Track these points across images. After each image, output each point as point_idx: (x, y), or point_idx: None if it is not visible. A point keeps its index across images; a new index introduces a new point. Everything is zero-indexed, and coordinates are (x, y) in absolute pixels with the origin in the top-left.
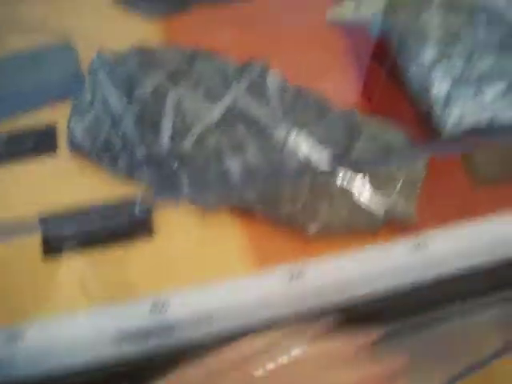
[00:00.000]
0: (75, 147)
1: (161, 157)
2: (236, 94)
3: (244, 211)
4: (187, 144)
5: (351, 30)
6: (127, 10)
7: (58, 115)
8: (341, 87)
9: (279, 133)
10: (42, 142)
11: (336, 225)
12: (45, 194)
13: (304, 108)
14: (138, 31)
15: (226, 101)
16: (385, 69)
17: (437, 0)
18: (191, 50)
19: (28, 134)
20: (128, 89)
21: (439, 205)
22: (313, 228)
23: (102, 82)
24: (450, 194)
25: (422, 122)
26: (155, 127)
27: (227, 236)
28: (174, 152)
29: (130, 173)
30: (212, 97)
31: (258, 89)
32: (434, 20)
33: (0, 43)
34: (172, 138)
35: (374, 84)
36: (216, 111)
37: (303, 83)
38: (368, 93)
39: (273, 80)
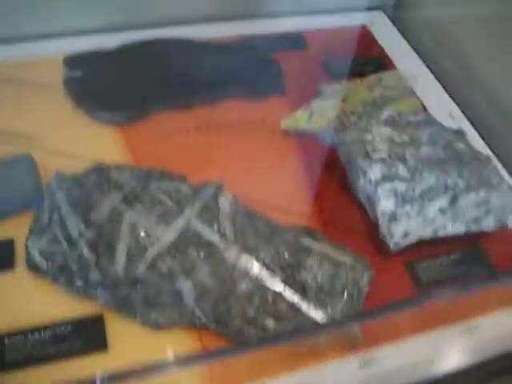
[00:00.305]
0: (32, 267)
1: (115, 280)
2: (189, 217)
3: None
4: (141, 268)
5: (304, 139)
6: (88, 116)
7: (16, 228)
8: (293, 197)
9: (230, 255)
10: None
11: None
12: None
13: (255, 231)
14: (97, 138)
15: (179, 224)
16: (335, 179)
17: (382, 117)
18: (146, 170)
19: None
20: (85, 211)
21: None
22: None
23: (60, 204)
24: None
25: (372, 228)
26: (110, 251)
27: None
28: (128, 275)
29: (86, 293)
30: (166, 220)
31: (210, 212)
32: (379, 138)
33: None
34: (126, 261)
35: (325, 193)
36: (169, 235)
37: (257, 194)
38: (320, 202)
39: (225, 202)
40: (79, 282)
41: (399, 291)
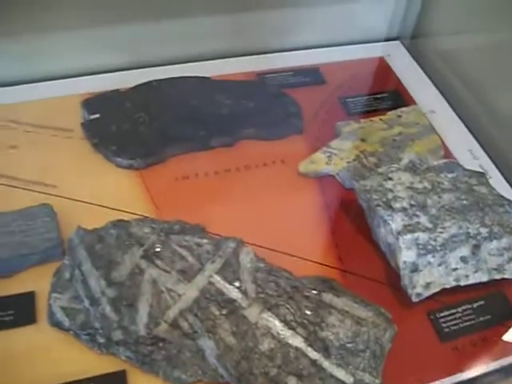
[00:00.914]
0: (54, 323)
1: (138, 339)
2: (210, 274)
3: None
4: (163, 327)
5: (323, 181)
6: (107, 161)
7: (36, 281)
8: (312, 243)
9: (252, 313)
10: (21, 312)
11: None
12: (22, 366)
13: (276, 287)
14: (116, 183)
15: (201, 281)
16: (355, 223)
17: (403, 162)
18: (166, 223)
19: (7, 302)
20: (106, 268)
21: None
22: None
23: (81, 260)
24: (418, 357)
25: (393, 276)
26: (132, 309)
27: None
28: (150, 334)
29: (108, 350)
30: (187, 276)
31: (231, 268)
32: (400, 185)
33: None
34: (148, 320)
35: (345, 239)
36: (191, 292)
37: (275, 239)
38: (340, 249)
39: (246, 259)
40: (101, 339)
41: (421, 342)
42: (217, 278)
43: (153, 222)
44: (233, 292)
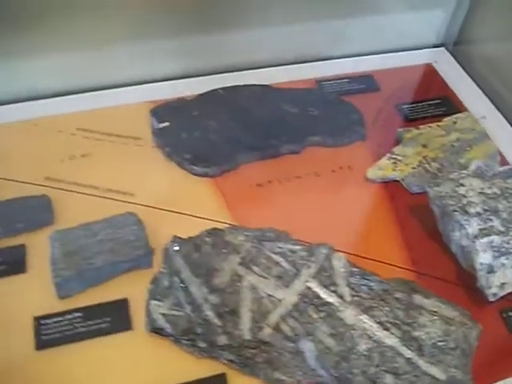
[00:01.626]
0: (154, 329)
1: (242, 343)
2: (306, 279)
3: None
4: (266, 330)
5: (389, 187)
6: (181, 169)
7: (127, 288)
8: (386, 247)
9: (348, 315)
10: (116, 318)
11: None
12: (121, 371)
13: (368, 290)
14: (193, 191)
15: (299, 286)
16: (424, 227)
17: (471, 168)
18: (258, 231)
19: (102, 309)
20: (206, 276)
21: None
22: None
23: (180, 268)
24: (492, 353)
25: (464, 277)
26: (235, 315)
27: None
28: (254, 338)
29: (209, 354)
30: (284, 282)
31: (325, 273)
32: (472, 191)
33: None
34: (252, 325)
35: (416, 242)
36: (290, 297)
37: (350, 244)
38: (413, 252)
39: (338, 264)
40: (202, 344)
41: (494, 338)
42: (313, 283)
43: (245, 230)
44: (329, 296)
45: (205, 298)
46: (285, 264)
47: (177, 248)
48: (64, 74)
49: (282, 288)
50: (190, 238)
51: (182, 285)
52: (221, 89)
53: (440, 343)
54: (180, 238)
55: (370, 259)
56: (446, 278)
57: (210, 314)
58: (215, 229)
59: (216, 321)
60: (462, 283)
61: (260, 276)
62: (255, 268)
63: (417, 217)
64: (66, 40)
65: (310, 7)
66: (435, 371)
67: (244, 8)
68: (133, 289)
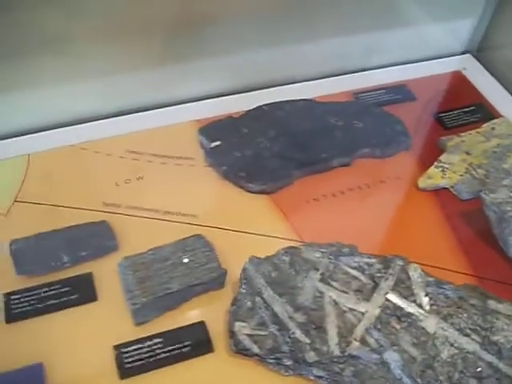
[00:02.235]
0: (240, 350)
1: (331, 359)
2: (386, 291)
3: None
4: (353, 346)
5: (439, 195)
6: (237, 187)
7: (201, 310)
8: (444, 254)
9: (429, 324)
10: (197, 342)
11: None
12: None
13: (445, 298)
14: (253, 208)
15: (379, 300)
16: (479, 233)
17: None
18: (333, 246)
19: (182, 333)
20: (289, 294)
21: None
22: None
23: (261, 288)
24: None
25: None
26: (322, 331)
27: None
28: (343, 353)
29: (295, 371)
30: (364, 295)
31: (403, 284)
32: None
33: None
34: (339, 340)
35: (473, 248)
36: (371, 310)
37: (409, 253)
38: (471, 257)
39: (415, 274)
40: (288, 362)
41: None
42: (393, 295)
43: (320, 247)
44: (409, 306)
45: (290, 316)
46: (362, 278)
47: None
48: (105, 96)
49: (363, 301)
50: (268, 257)
51: (265, 304)
52: (265, 105)
53: None
54: (257, 257)
55: (431, 266)
56: (506, 281)
57: (297, 331)
58: (291, 247)
59: (304, 338)
60: None
61: (340, 291)
62: (335, 283)
63: (470, 223)
64: (104, 63)
65: (342, 22)
66: None
67: (279, 25)
68: (208, 311)
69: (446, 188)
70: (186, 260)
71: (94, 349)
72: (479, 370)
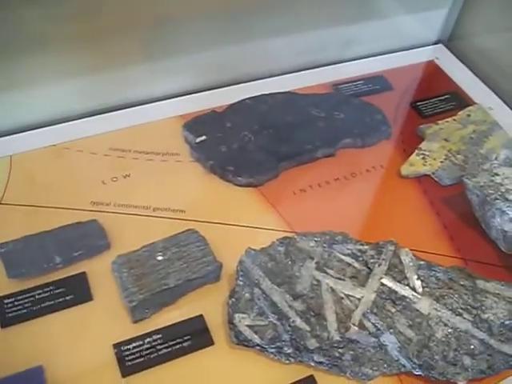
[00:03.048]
0: (241, 342)
1: (331, 344)
2: (380, 276)
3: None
4: (352, 331)
5: (422, 181)
6: (224, 181)
7: (199, 304)
8: (430, 238)
9: (423, 306)
10: (196, 336)
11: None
12: None
13: (436, 280)
14: (240, 201)
15: (374, 285)
16: (461, 217)
17: (500, 158)
18: (327, 235)
19: (181, 328)
20: (287, 284)
21: None
22: (462, 380)
23: (258, 279)
24: None
25: (507, 260)
26: (321, 318)
27: None
28: (343, 338)
29: (296, 359)
30: (359, 281)
31: (396, 268)
32: (508, 180)
33: None
34: (338, 326)
35: (457, 231)
36: (368, 296)
37: (397, 235)
38: (455, 241)
39: (406, 258)
40: (289, 350)
41: None
42: (387, 279)
43: (314, 236)
44: (403, 289)
45: (289, 305)
46: (356, 264)
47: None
48: (85, 94)
49: (359, 287)
50: (263, 248)
51: (263, 295)
52: (248, 99)
53: (507, 322)
54: (253, 249)
55: (418, 251)
56: (489, 262)
57: (297, 320)
58: (286, 237)
59: (304, 326)
60: (504, 265)
61: (336, 278)
62: (330, 271)
63: (452, 207)
64: (83, 61)
65: (319, 14)
66: (506, 348)
67: (256, 19)
68: (205, 304)
69: (427, 175)
70: (160, 258)
71: (94, 348)
72: (472, 347)
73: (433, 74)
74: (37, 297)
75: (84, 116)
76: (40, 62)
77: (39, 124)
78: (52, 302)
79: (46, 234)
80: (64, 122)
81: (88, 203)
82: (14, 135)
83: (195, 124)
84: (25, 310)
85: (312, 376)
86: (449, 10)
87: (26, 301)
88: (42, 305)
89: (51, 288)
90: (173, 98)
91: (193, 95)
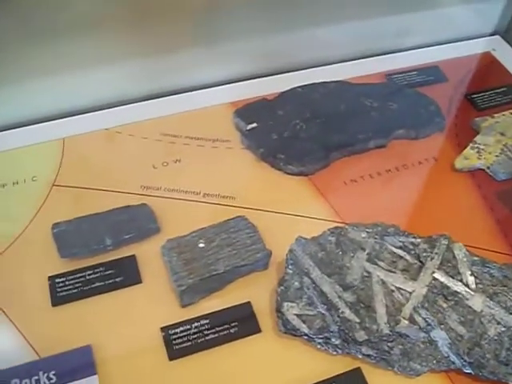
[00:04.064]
0: (289, 331)
1: (381, 337)
2: (432, 270)
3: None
4: (403, 323)
5: (476, 175)
6: (275, 169)
7: (248, 290)
8: (483, 234)
9: (476, 302)
10: (244, 323)
11: None
12: (257, 375)
13: (490, 276)
14: (292, 190)
15: (426, 279)
16: None
17: None
18: (379, 226)
19: (228, 314)
20: (337, 274)
21: None
22: None
23: (308, 268)
24: None
25: None
26: (370, 310)
27: None
28: (392, 332)
29: (343, 350)
30: (410, 275)
31: (449, 263)
32: None
33: None
34: (388, 319)
35: (510, 227)
36: (419, 290)
37: (450, 230)
38: (509, 237)
39: (460, 253)
40: (336, 341)
41: None
42: (439, 274)
43: (365, 227)
44: (455, 285)
45: (339, 296)
46: (408, 257)
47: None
48: (137, 79)
49: (410, 281)
50: (314, 237)
51: (313, 285)
52: (299, 87)
53: None
54: (304, 238)
55: (470, 246)
56: None
57: (346, 311)
58: (337, 227)
59: (353, 317)
60: None
61: (387, 271)
62: (381, 263)
63: (506, 203)
64: (135, 46)
65: (374, 3)
66: None
67: (308, 6)
68: (253, 291)
69: (481, 169)
70: (201, 245)
71: (142, 330)
72: None
73: (489, 65)
74: (87, 277)
75: (136, 101)
76: (92, 45)
77: (92, 108)
78: (102, 283)
79: (97, 216)
80: (116, 106)
81: (138, 187)
82: (67, 118)
83: (246, 111)
84: (75, 290)
85: (359, 368)
86: (507, 1)
87: (76, 281)
88: (92, 285)
89: (101, 269)
90: (224, 84)
91: (243, 82)
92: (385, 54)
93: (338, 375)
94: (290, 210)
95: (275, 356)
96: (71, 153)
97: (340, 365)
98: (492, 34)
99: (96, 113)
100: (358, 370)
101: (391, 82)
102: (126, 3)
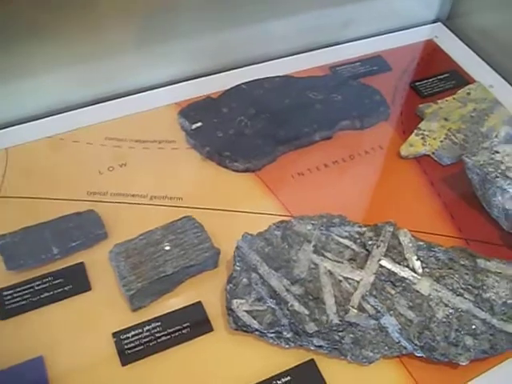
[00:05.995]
0: (240, 327)
1: (331, 327)
2: (379, 258)
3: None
4: (351, 312)
5: (421, 161)
6: (221, 167)
7: (197, 290)
8: (431, 218)
9: (423, 287)
10: (196, 323)
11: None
12: (212, 374)
13: (436, 260)
14: (239, 187)
15: (373, 267)
16: (462, 196)
17: (500, 137)
18: (324, 217)
19: (180, 315)
20: (284, 268)
21: None
22: (464, 360)
23: (256, 264)
24: None
25: (509, 239)
26: (319, 301)
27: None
28: (342, 321)
29: (296, 343)
30: (357, 264)
31: (395, 250)
32: (508, 157)
33: None
34: (337, 309)
35: (458, 211)
36: (366, 278)
37: (398, 216)
38: (457, 220)
39: (405, 239)
40: (288, 334)
41: None
42: (385, 261)
43: (310, 219)
44: (402, 271)
45: (287, 289)
46: (355, 246)
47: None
48: (79, 84)
49: (357, 270)
50: (259, 233)
51: (261, 280)
52: (244, 83)
53: (509, 301)
54: (250, 234)
55: (419, 231)
56: (491, 241)
57: (295, 304)
58: (282, 221)
59: (303, 310)
60: (507, 244)
61: (334, 261)
62: (328, 254)
63: (453, 187)
64: (75, 50)
65: None
66: (509, 327)
67: (251, 3)
68: (204, 291)
69: (427, 155)
70: (167, 248)
71: (93, 337)
72: (474, 327)
73: (432, 53)
74: (36, 288)
75: (79, 106)
76: (34, 52)
77: (34, 116)
78: (51, 293)
79: (44, 226)
80: (59, 113)
81: (85, 193)
82: (9, 128)
83: (191, 110)
84: (24, 302)
85: (312, 360)
86: None
87: (25, 292)
88: (41, 296)
89: (50, 279)
90: (168, 85)
91: (188, 82)
92: (328, 46)
93: (291, 368)
94: (239, 207)
95: (228, 354)
96: (15, 163)
97: (293, 358)
98: (434, 22)
99: (39, 121)
100: (311, 362)
101: (336, 73)
102: (68, 7)
